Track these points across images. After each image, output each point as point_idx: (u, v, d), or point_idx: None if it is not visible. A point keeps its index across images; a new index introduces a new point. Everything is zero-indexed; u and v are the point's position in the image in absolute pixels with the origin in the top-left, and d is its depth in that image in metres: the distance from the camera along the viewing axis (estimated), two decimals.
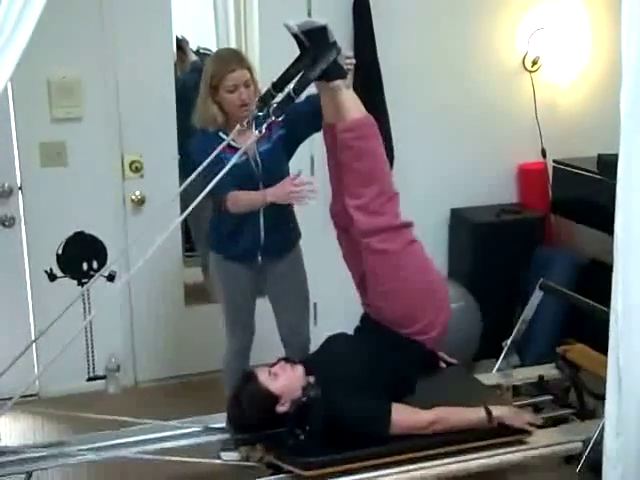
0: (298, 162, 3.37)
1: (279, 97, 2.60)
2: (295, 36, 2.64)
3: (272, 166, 3.19)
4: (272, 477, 2.65)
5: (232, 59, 3.16)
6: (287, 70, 2.67)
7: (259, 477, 2.66)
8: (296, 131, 3.19)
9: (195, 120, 3.22)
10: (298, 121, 3.10)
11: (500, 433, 2.75)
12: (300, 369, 2.73)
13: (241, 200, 3.13)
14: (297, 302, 3.46)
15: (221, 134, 3.14)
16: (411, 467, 2.64)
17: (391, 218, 2.72)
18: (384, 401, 2.64)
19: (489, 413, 2.71)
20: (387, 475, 2.61)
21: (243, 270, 3.34)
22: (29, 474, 2.85)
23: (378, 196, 2.68)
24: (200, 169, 2.59)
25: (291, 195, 3.07)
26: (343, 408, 2.59)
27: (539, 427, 2.83)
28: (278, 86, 2.64)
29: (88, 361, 4.16)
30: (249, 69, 3.15)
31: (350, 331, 3.01)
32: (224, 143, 2.74)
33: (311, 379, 2.72)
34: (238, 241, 3.27)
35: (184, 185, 2.64)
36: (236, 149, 3.14)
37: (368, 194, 2.68)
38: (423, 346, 2.81)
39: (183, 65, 4.84)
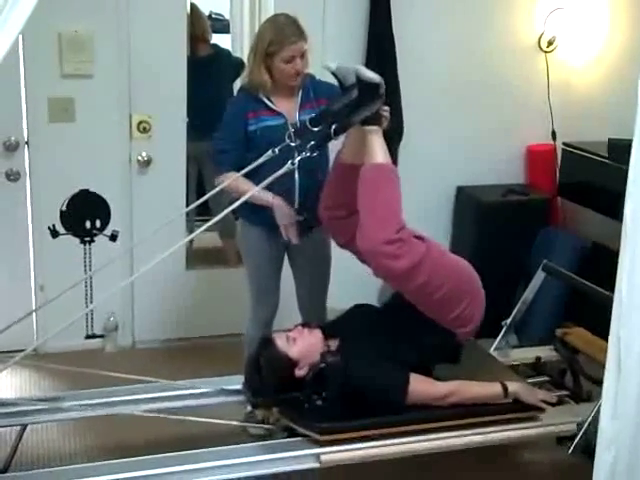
0: None
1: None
2: (334, 74, 2.67)
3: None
4: (287, 440, 2.67)
5: (293, 30, 3.08)
6: (327, 108, 2.71)
7: (273, 439, 2.68)
8: None
9: (244, 82, 3.25)
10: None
11: (514, 409, 2.77)
12: (318, 334, 2.74)
13: (241, 191, 2.96)
14: (320, 277, 3.46)
15: (261, 96, 3.15)
16: (424, 437, 2.66)
17: (412, 256, 2.54)
18: (402, 371, 2.64)
19: (505, 389, 2.72)
20: (400, 444, 2.64)
21: (272, 238, 3.31)
22: (24, 427, 2.88)
23: (391, 242, 2.51)
24: (266, 154, 2.78)
25: (284, 226, 3.13)
26: (361, 375, 2.59)
27: (553, 405, 2.85)
28: (316, 121, 2.66)
29: (87, 319, 4.16)
30: (306, 40, 3.10)
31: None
32: None
33: (332, 344, 2.72)
34: (269, 210, 3.18)
35: (252, 166, 2.87)
36: (274, 111, 3.15)
37: (381, 239, 2.52)
38: (454, 337, 2.75)
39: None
